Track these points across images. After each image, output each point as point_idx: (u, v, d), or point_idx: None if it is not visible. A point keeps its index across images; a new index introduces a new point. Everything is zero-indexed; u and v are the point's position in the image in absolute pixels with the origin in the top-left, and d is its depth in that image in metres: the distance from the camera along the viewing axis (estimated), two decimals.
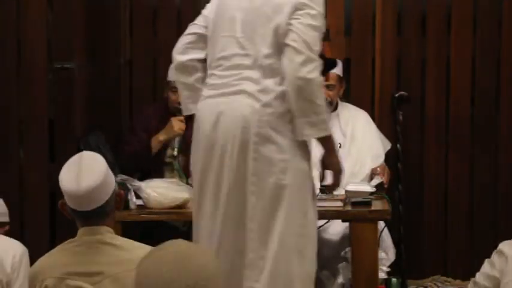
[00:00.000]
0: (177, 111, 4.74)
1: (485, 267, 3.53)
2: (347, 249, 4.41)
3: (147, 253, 2.12)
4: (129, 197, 4.04)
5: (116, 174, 3.30)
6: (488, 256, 3.53)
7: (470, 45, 5.30)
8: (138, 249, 2.69)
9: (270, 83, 3.39)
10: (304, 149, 3.45)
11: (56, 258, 2.78)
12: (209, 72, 3.53)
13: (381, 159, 4.91)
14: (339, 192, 3.99)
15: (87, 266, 2.69)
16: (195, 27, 3.64)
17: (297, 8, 3.36)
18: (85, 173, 2.73)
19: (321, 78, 3.39)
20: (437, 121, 5.33)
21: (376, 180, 4.63)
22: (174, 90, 4.76)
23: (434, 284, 5.21)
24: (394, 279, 4.85)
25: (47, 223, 4.83)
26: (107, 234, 2.76)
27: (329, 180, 3.56)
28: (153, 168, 4.76)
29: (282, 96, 3.37)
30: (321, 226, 4.30)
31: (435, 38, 5.31)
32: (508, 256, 3.41)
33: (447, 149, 5.35)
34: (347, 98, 5.21)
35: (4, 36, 4.79)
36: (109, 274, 2.67)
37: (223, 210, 3.41)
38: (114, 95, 5.24)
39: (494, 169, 5.33)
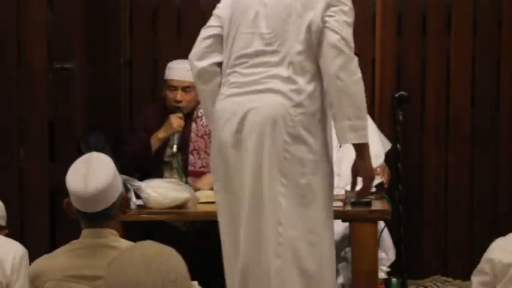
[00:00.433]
0: (176, 109, 4.74)
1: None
2: (347, 249, 4.41)
3: (117, 254, 2.12)
4: (129, 197, 4.04)
5: None
6: None
7: (470, 45, 5.30)
8: None
9: (301, 81, 3.32)
10: (329, 150, 3.42)
11: (59, 260, 2.76)
12: (229, 70, 3.44)
13: (381, 159, 4.91)
14: (339, 192, 3.99)
15: (89, 270, 2.69)
16: (210, 30, 3.56)
17: (330, 5, 3.30)
18: (93, 174, 2.70)
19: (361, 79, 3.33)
20: (437, 121, 5.33)
21: (376, 180, 4.62)
22: (172, 88, 4.76)
23: (434, 284, 5.22)
24: (394, 279, 4.85)
25: (47, 223, 4.83)
26: (111, 237, 2.75)
27: (358, 186, 3.50)
28: (153, 167, 4.76)
29: (312, 96, 3.33)
30: None
31: (435, 38, 5.31)
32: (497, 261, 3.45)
33: (447, 149, 5.35)
34: None
35: (4, 36, 4.78)
36: None
37: (248, 208, 3.35)
38: (114, 95, 5.24)
39: (494, 169, 5.33)
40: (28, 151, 4.82)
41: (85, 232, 2.76)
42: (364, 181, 3.43)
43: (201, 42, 3.59)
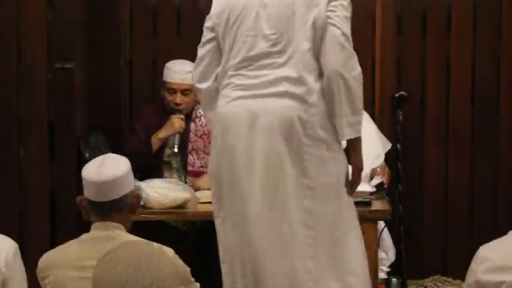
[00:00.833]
0: (176, 111, 4.74)
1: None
2: None
3: (106, 252, 2.12)
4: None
5: None
6: None
7: (470, 45, 5.30)
8: None
9: (310, 81, 3.31)
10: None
11: (68, 251, 2.92)
12: (231, 72, 3.40)
13: (381, 159, 4.91)
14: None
15: (94, 260, 2.72)
16: (205, 47, 3.52)
17: (329, 4, 3.30)
18: (108, 166, 2.93)
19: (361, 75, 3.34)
20: (437, 121, 5.33)
21: (376, 180, 4.62)
22: (171, 91, 4.75)
23: (434, 284, 5.21)
24: (394, 279, 4.85)
25: (47, 223, 4.82)
26: (115, 230, 2.87)
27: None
28: (153, 167, 4.76)
29: (320, 93, 3.32)
30: None
31: (435, 38, 5.31)
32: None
33: (447, 149, 5.35)
34: None
35: (4, 36, 4.78)
36: None
37: (262, 212, 3.31)
38: (114, 95, 5.24)
39: (494, 169, 5.33)
40: (28, 151, 4.82)
41: (94, 225, 2.93)
42: (353, 173, 3.45)
43: (200, 63, 3.57)
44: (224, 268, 3.60)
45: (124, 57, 5.31)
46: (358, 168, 3.44)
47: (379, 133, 5.05)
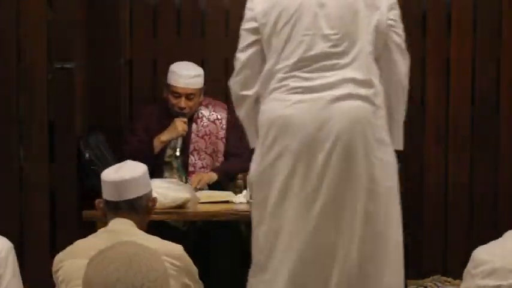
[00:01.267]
0: (180, 115, 4.73)
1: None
2: None
3: (97, 252, 2.12)
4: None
5: None
6: None
7: (470, 45, 5.29)
8: (152, 243, 2.73)
9: (376, 83, 3.25)
10: None
11: (82, 243, 3.09)
12: (282, 75, 3.26)
13: None
14: None
15: None
16: (248, 50, 3.35)
17: (391, 7, 3.29)
18: (125, 168, 3.14)
19: None
20: (437, 121, 5.33)
21: None
22: (176, 95, 4.74)
23: (434, 284, 5.21)
24: None
25: (47, 223, 4.82)
26: (125, 226, 3.02)
27: None
28: (153, 167, 4.76)
29: (383, 97, 3.29)
30: None
31: (435, 38, 5.31)
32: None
33: (447, 149, 5.34)
34: None
35: (4, 36, 4.78)
36: None
37: (319, 216, 3.25)
38: (114, 95, 5.24)
39: (494, 169, 5.33)
40: (28, 151, 4.81)
41: (111, 221, 3.10)
42: None
43: (243, 69, 3.39)
44: (261, 276, 3.41)
45: (124, 57, 5.30)
46: None
47: None
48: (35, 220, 4.80)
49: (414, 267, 5.18)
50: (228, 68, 5.38)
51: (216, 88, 5.13)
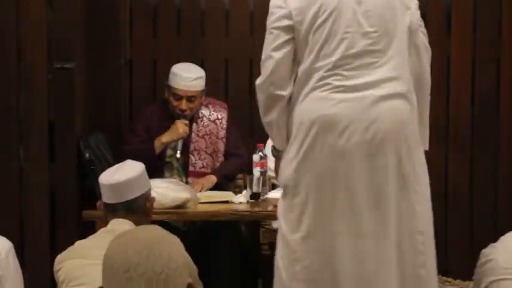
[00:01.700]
0: (181, 117, 4.73)
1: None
2: None
3: (118, 234, 2.09)
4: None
5: None
6: None
7: (470, 45, 5.30)
8: None
9: (411, 82, 3.23)
10: None
11: (82, 244, 3.19)
12: (323, 73, 3.15)
13: None
14: None
15: (103, 250, 2.77)
16: (283, 49, 3.22)
17: (417, 8, 3.33)
18: (122, 171, 3.23)
19: None
20: (437, 121, 5.32)
21: None
22: (177, 97, 4.74)
23: None
24: None
25: (46, 223, 4.82)
26: (125, 226, 3.06)
27: None
28: (154, 167, 4.76)
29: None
30: None
31: (435, 38, 5.30)
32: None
33: (447, 149, 5.34)
34: None
35: (4, 36, 4.78)
36: None
37: (369, 221, 3.15)
38: (114, 95, 5.24)
39: (494, 169, 5.33)
40: (28, 151, 4.82)
41: (110, 222, 3.20)
42: None
43: (278, 68, 3.23)
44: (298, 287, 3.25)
45: (124, 57, 5.31)
46: None
47: None
48: (35, 220, 4.80)
49: None
50: (228, 68, 5.39)
51: (216, 88, 5.13)
